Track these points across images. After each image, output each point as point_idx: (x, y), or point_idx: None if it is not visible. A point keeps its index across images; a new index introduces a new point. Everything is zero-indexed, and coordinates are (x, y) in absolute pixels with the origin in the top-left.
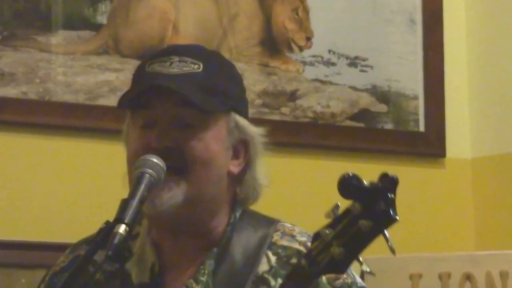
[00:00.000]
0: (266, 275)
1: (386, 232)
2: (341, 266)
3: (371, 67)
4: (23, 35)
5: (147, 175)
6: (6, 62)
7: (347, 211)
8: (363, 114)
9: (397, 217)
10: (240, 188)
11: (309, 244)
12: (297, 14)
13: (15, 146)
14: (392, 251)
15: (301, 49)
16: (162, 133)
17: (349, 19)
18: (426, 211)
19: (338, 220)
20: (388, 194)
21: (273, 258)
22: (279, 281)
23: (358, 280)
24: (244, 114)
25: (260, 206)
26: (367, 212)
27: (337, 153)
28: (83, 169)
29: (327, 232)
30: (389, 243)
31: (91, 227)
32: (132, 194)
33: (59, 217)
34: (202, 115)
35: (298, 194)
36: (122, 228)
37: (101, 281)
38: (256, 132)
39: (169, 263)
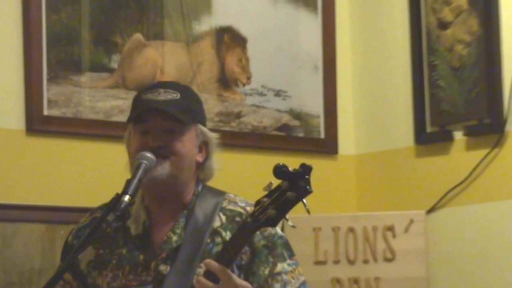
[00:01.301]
0: (219, 229)
1: (304, 200)
2: (274, 222)
3: (290, 96)
4: (63, 75)
5: (143, 164)
6: (52, 93)
7: (278, 186)
8: (284, 127)
9: (312, 190)
10: (202, 171)
11: (247, 208)
12: (241, 62)
13: (58, 148)
14: (308, 212)
15: (243, 85)
16: (156, 137)
17: (275, 65)
18: (325, 189)
19: (272, 192)
20: (306, 175)
21: (223, 217)
22: (228, 233)
23: (279, 231)
24: (205, 124)
25: (216, 186)
26: (292, 187)
27: (267, 152)
28: (101, 162)
29: (265, 200)
30: (306, 207)
31: (102, 198)
32: (133, 176)
33: (83, 191)
34: (181, 125)
35: (241, 179)
36: (126, 198)
37: (110, 233)
38: (213, 136)
39: (155, 221)
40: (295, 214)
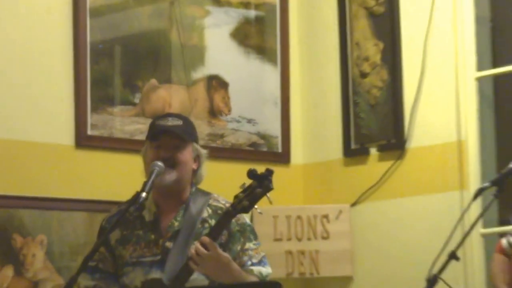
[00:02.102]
0: (206, 218)
1: (268, 194)
2: (247, 210)
3: (257, 123)
4: (102, 107)
5: (156, 170)
6: (94, 119)
7: (250, 185)
8: (253, 144)
9: (273, 187)
10: (195, 177)
11: (227, 204)
12: (224, 99)
13: (97, 158)
14: (270, 202)
15: (226, 115)
16: (166, 150)
17: (248, 102)
18: (281, 188)
19: (246, 189)
20: (269, 177)
21: (209, 210)
22: (213, 220)
23: (248, 220)
24: (198, 143)
25: (206, 187)
26: (260, 185)
27: (241, 162)
28: (127, 168)
29: (241, 195)
30: (269, 199)
31: (127, 193)
32: (148, 178)
33: (115, 189)
34: (182, 142)
35: (223, 181)
36: (144, 194)
37: (131, 220)
38: (203, 151)
39: (162, 211)
40: (261, 206)
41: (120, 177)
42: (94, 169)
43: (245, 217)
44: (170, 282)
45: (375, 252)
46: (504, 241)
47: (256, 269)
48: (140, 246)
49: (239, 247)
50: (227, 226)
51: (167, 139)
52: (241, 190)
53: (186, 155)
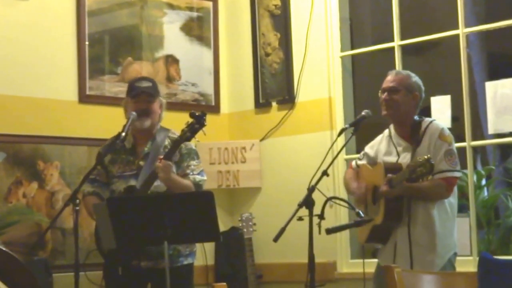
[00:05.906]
0: (167, 145)
1: (203, 129)
2: (189, 139)
3: (199, 86)
4: (96, 76)
5: (131, 117)
6: (91, 83)
7: (191, 122)
8: (196, 100)
9: (206, 124)
10: (159, 118)
11: (177, 135)
12: (176, 70)
13: (94, 110)
14: (204, 133)
15: (178, 80)
16: (142, 103)
17: (192, 72)
18: (213, 128)
19: (189, 125)
20: (204, 117)
21: (169, 140)
22: (169, 147)
23: (193, 146)
24: (160, 95)
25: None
26: (197, 122)
27: (188, 111)
28: (113, 115)
29: (185, 129)
30: (204, 131)
31: (113, 133)
32: (126, 122)
33: (105, 129)
34: (152, 98)
35: (176, 121)
36: (123, 134)
37: (118, 149)
38: (164, 101)
39: (137, 141)
40: (201, 141)
41: (108, 122)
42: (91, 117)
43: (192, 144)
44: (140, 187)
45: (275, 171)
46: (353, 163)
47: (192, 177)
48: (123, 165)
49: (185, 164)
50: (177, 149)
51: (143, 97)
52: (185, 125)
53: (155, 106)
